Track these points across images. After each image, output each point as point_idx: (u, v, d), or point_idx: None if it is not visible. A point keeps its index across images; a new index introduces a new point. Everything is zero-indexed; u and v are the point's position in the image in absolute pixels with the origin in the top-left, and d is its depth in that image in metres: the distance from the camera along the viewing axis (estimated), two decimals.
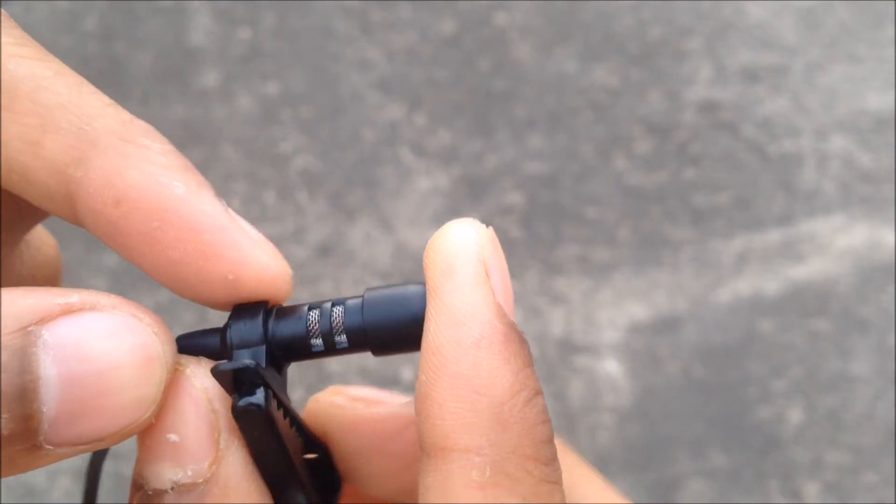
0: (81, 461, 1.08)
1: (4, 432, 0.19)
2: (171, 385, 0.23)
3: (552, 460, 0.22)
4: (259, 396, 0.23)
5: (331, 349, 0.24)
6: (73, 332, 0.20)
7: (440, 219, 1.22)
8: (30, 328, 0.19)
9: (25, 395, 0.19)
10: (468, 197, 1.25)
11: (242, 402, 0.23)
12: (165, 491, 0.23)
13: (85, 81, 0.24)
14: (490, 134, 1.30)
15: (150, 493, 0.23)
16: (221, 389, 0.24)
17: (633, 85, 1.34)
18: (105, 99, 0.24)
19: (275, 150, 1.30)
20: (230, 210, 0.24)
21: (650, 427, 1.09)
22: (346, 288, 1.17)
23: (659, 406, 1.10)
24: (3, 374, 0.19)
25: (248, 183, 1.27)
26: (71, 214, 0.23)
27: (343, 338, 0.24)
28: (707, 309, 1.16)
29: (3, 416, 0.19)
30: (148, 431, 0.23)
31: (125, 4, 1.44)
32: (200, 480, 0.23)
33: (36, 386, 0.19)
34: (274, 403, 0.24)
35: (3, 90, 0.22)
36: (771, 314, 1.16)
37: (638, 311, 1.16)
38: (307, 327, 0.24)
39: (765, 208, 1.24)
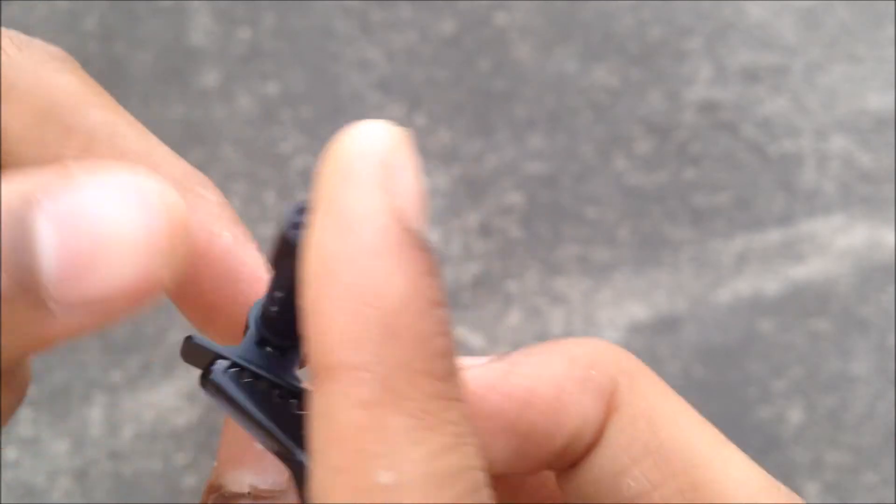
0: (82, 461, 1.08)
1: (3, 285, 0.19)
2: None
3: (449, 375, 0.21)
4: (216, 368, 0.24)
5: (283, 306, 0.24)
6: (73, 193, 0.20)
7: (440, 219, 1.22)
8: (29, 197, 0.20)
9: (21, 248, 0.20)
10: (468, 197, 1.25)
11: (210, 376, 0.24)
12: (242, 494, 0.24)
13: (149, 132, 0.26)
14: (490, 134, 1.30)
15: (226, 495, 0.24)
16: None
17: (633, 85, 1.34)
18: (169, 149, 0.26)
19: (275, 150, 1.30)
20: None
21: None
22: None
23: None
24: None
25: (248, 183, 1.27)
26: None
27: (278, 294, 0.24)
28: (707, 309, 1.16)
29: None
30: (233, 437, 0.24)
31: (125, 4, 1.44)
32: (277, 490, 0.24)
33: (31, 238, 0.20)
34: (240, 372, 0.24)
35: (83, 135, 0.25)
36: (771, 314, 1.16)
37: (638, 311, 1.16)
38: (266, 300, 0.25)
39: (765, 208, 1.24)
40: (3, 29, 0.25)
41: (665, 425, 0.25)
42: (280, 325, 0.25)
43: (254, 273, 0.25)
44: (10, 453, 1.06)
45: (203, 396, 0.24)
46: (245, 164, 1.29)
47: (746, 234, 1.22)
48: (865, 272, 1.18)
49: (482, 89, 1.35)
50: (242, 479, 0.24)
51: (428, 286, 0.21)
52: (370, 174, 0.22)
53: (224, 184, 1.26)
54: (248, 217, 1.22)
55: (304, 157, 1.29)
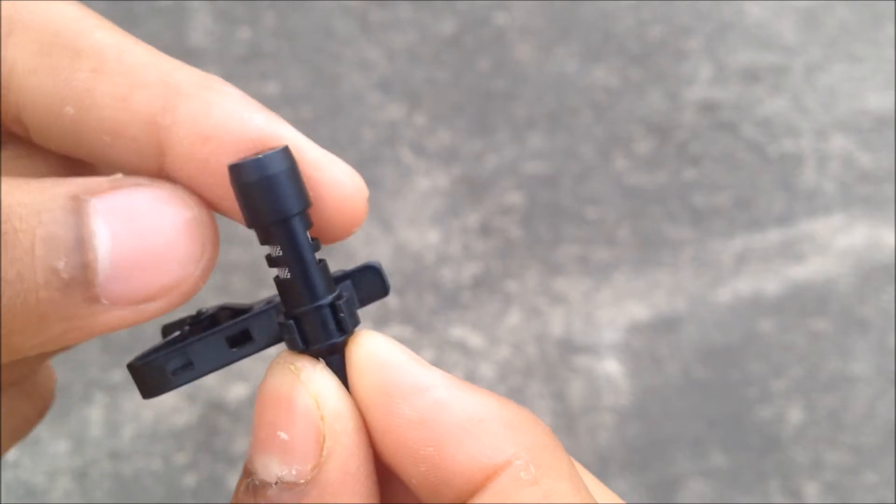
0: (81, 461, 1.08)
1: (64, 275, 0.21)
2: (288, 386, 0.26)
3: None
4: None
5: (272, 262, 0.27)
6: (122, 199, 0.22)
7: (440, 219, 1.22)
8: (81, 197, 0.22)
9: (81, 246, 0.21)
10: (468, 197, 1.25)
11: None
12: (270, 484, 0.25)
13: (156, 49, 0.27)
14: (490, 134, 1.30)
15: (256, 482, 0.26)
16: (335, 395, 0.26)
17: (633, 85, 1.34)
18: (179, 61, 0.27)
19: None
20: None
21: (650, 427, 1.09)
22: None
23: (659, 406, 1.10)
24: (60, 226, 0.21)
25: None
26: (157, 167, 0.26)
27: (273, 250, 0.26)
28: (707, 309, 1.16)
29: (62, 261, 0.21)
30: (261, 424, 0.26)
31: (125, 4, 1.44)
32: (302, 481, 0.25)
33: (90, 237, 0.21)
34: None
35: (92, 56, 0.25)
36: (771, 314, 1.16)
37: (638, 311, 1.16)
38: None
39: (765, 208, 1.24)
40: None
41: None
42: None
43: (296, 143, 0.26)
44: (10, 453, 1.06)
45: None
46: None
47: (746, 234, 1.22)
48: (865, 272, 1.18)
49: (482, 89, 1.35)
50: (270, 467, 0.25)
51: None
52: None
53: None
54: None
55: None
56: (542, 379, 1.12)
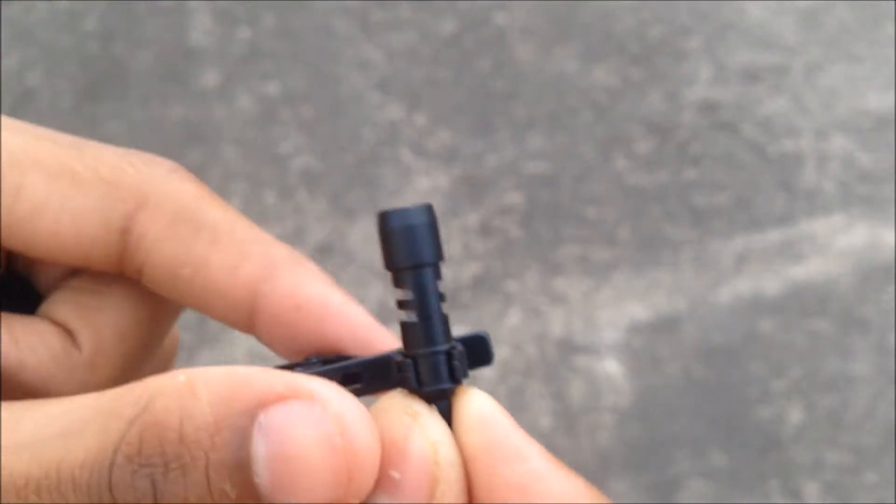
0: None
1: (233, 496, 0.23)
2: (405, 428, 0.27)
3: None
4: None
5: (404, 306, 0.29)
6: (280, 417, 0.24)
7: (440, 219, 1.22)
8: (253, 411, 0.24)
9: (242, 467, 0.23)
10: (468, 197, 1.25)
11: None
12: None
13: (248, 219, 0.32)
14: (490, 134, 1.30)
15: None
16: (450, 443, 0.27)
17: (633, 85, 1.34)
18: (266, 233, 0.32)
19: (275, 150, 1.30)
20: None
21: (650, 427, 1.09)
22: (346, 287, 1.17)
23: (659, 406, 1.10)
24: (227, 449, 0.23)
25: (248, 183, 1.27)
26: (247, 323, 0.31)
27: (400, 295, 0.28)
28: (707, 309, 1.16)
29: (228, 484, 0.23)
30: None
31: (125, 5, 1.44)
32: None
33: (250, 459, 0.23)
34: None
35: (209, 230, 0.30)
36: (771, 314, 1.16)
37: (638, 311, 1.16)
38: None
39: (765, 208, 1.24)
40: (133, 151, 0.30)
41: None
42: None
43: (366, 320, 0.31)
44: None
45: None
46: (245, 164, 1.29)
47: (746, 234, 1.22)
48: (865, 272, 1.18)
49: (482, 89, 1.35)
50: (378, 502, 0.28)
51: None
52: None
53: (224, 184, 1.26)
54: (248, 217, 1.22)
55: (304, 157, 1.29)
56: (542, 379, 1.12)
